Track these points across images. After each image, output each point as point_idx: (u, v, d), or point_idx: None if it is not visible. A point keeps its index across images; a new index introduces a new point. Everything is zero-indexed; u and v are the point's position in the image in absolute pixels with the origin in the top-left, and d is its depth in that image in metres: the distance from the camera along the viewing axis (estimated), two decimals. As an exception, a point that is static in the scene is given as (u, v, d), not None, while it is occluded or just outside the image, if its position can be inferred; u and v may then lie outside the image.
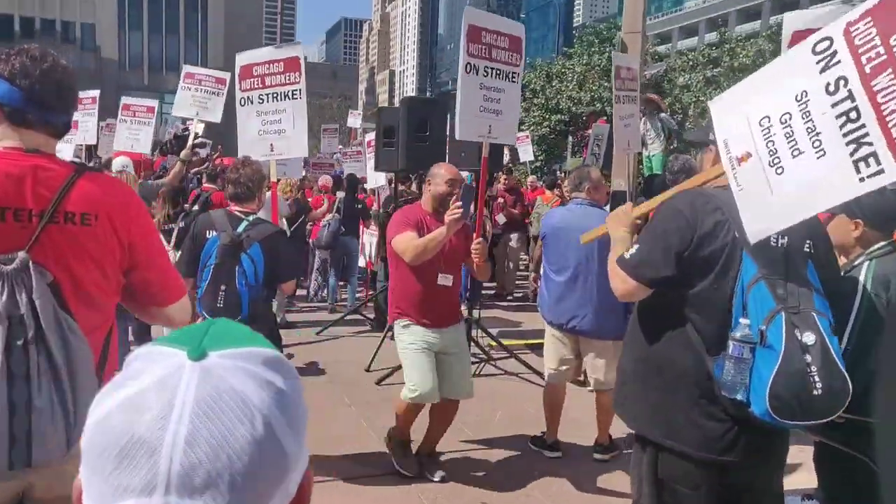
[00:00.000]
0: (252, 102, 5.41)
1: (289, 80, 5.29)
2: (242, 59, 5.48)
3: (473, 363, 4.94)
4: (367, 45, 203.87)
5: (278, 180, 7.49)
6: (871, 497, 2.21)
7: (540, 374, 5.46)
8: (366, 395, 5.51)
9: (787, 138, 1.80)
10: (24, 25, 44.83)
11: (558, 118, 26.88)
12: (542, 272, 4.55)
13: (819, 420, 1.88)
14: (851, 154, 1.68)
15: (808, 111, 1.76)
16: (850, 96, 1.69)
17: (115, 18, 47.05)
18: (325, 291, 9.11)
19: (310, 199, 9.48)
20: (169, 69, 43.76)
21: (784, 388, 1.83)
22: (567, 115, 26.74)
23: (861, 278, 2.23)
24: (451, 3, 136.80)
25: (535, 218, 9.51)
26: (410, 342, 3.83)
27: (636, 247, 2.20)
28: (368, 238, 8.68)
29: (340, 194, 8.91)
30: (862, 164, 1.67)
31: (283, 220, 8.09)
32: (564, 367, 4.33)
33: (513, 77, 4.74)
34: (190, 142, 6.85)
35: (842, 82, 1.71)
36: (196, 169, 9.09)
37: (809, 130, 1.76)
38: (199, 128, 7.77)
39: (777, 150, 1.82)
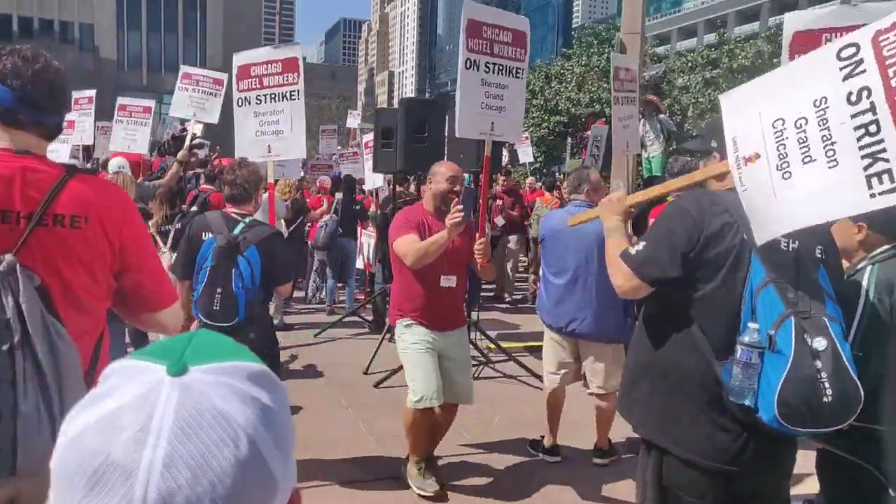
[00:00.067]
0: (249, 103, 5.37)
1: (287, 80, 5.25)
2: (240, 59, 5.44)
3: (472, 366, 4.91)
4: (366, 45, 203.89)
5: (276, 181, 7.48)
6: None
7: (539, 377, 5.43)
8: (364, 397, 5.48)
9: (800, 144, 1.75)
10: (22, 25, 44.79)
11: (557, 119, 26.87)
12: (540, 275, 4.52)
13: (829, 428, 1.84)
14: (865, 168, 1.63)
15: (826, 119, 1.71)
16: (872, 108, 1.63)
17: (113, 18, 47.02)
18: (324, 293, 9.09)
19: (308, 200, 9.46)
20: (168, 69, 43.72)
21: (793, 394, 1.79)
22: (566, 117, 26.73)
23: (864, 283, 2.20)
24: (450, 3, 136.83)
25: (534, 220, 9.48)
26: (413, 342, 3.76)
27: (642, 244, 2.15)
28: (366, 239, 8.65)
29: (338, 195, 8.88)
30: (875, 180, 1.61)
31: (282, 221, 8.06)
32: (563, 371, 4.30)
33: (517, 73, 4.63)
34: (187, 143, 6.82)
35: (864, 93, 1.65)
36: (196, 170, 9.06)
37: (825, 139, 1.71)
38: (197, 129, 7.74)
39: (787, 155, 1.77)
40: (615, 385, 4.24)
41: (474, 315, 6.66)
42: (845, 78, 1.69)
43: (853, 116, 1.66)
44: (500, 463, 4.30)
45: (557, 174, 16.11)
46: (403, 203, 7.30)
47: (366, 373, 6.00)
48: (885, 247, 2.26)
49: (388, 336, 6.57)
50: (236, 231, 3.47)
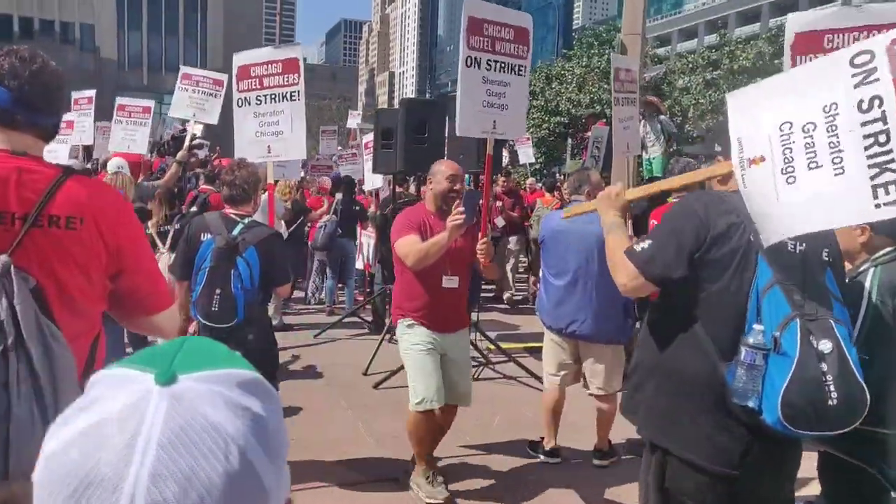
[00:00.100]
0: (249, 103, 5.35)
1: (287, 81, 5.24)
2: (240, 59, 5.43)
3: (472, 367, 4.89)
4: (366, 46, 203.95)
5: (276, 182, 7.46)
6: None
7: (538, 378, 5.42)
8: (363, 398, 5.47)
9: (807, 149, 1.72)
10: (23, 26, 44.81)
11: (557, 120, 26.86)
12: (540, 276, 4.50)
13: (834, 431, 1.82)
14: (872, 178, 1.61)
15: (835, 125, 1.68)
16: (883, 118, 1.60)
17: (114, 19, 47.06)
18: (323, 293, 9.08)
19: (308, 200, 9.45)
20: (168, 70, 43.73)
21: (797, 396, 1.77)
22: (566, 118, 26.72)
23: (867, 285, 2.19)
24: (451, 4, 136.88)
25: (535, 220, 9.46)
26: (414, 343, 3.72)
27: (648, 241, 2.11)
28: (366, 240, 8.65)
29: (338, 196, 8.88)
30: (881, 191, 1.59)
31: (282, 222, 8.06)
32: (563, 372, 4.29)
33: (519, 70, 4.58)
34: (186, 143, 6.81)
35: (876, 102, 1.62)
36: (197, 170, 9.05)
37: (832, 145, 1.68)
38: (197, 129, 7.72)
39: (793, 159, 1.74)
40: (615, 386, 4.24)
41: (474, 316, 6.64)
42: (857, 85, 1.66)
43: (863, 125, 1.63)
44: (499, 464, 4.29)
45: (558, 175, 16.10)
46: (403, 204, 7.30)
47: (365, 374, 5.98)
48: (888, 249, 2.25)
49: (387, 337, 6.56)
50: (235, 232, 3.46)
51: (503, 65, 4.49)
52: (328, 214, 8.69)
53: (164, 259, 4.85)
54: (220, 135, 10.72)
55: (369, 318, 7.97)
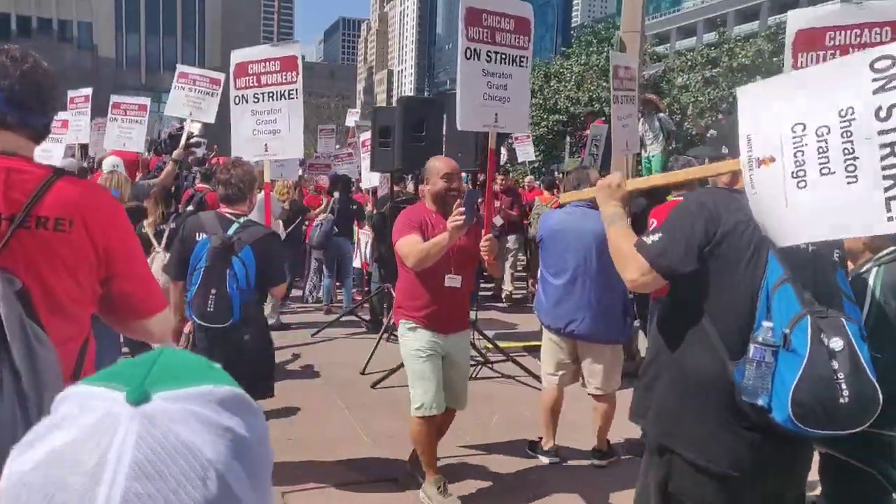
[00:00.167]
0: (247, 101, 5.32)
1: (285, 79, 5.21)
2: (238, 56, 5.39)
3: (470, 366, 4.87)
4: (365, 44, 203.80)
5: (273, 181, 7.43)
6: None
7: (537, 377, 5.40)
8: (361, 397, 5.44)
9: (820, 153, 1.67)
10: (20, 24, 44.76)
11: (556, 118, 26.82)
12: (539, 275, 4.47)
13: (846, 430, 1.77)
14: (886, 190, 1.55)
15: (850, 131, 1.62)
16: None
17: (112, 17, 47.02)
18: (320, 292, 9.06)
19: (306, 197, 9.43)
20: (166, 68, 43.72)
21: (807, 393, 1.73)
22: (565, 116, 26.68)
23: (870, 285, 2.16)
24: (450, 2, 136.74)
25: (534, 219, 9.43)
26: (416, 348, 3.64)
27: (658, 235, 2.05)
28: (364, 238, 8.63)
29: (335, 195, 8.86)
30: (895, 204, 1.54)
31: (279, 222, 8.04)
32: (562, 372, 4.27)
33: (521, 61, 4.48)
34: (182, 141, 6.78)
35: (895, 110, 1.55)
36: (194, 169, 9.02)
37: (846, 152, 1.62)
38: (194, 128, 7.69)
39: (805, 163, 1.69)
40: (614, 386, 4.22)
41: (472, 314, 6.62)
42: (876, 91, 1.60)
43: (880, 133, 1.57)
44: (498, 464, 4.27)
45: (556, 173, 16.08)
46: (401, 202, 7.27)
47: (363, 373, 5.96)
48: (891, 248, 2.22)
49: (385, 336, 6.54)
50: (230, 231, 3.43)
51: (504, 56, 4.38)
52: (325, 213, 8.68)
53: (160, 259, 4.82)
54: (218, 133, 10.70)
55: (367, 317, 7.94)
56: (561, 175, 13.94)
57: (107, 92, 10.03)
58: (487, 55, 4.31)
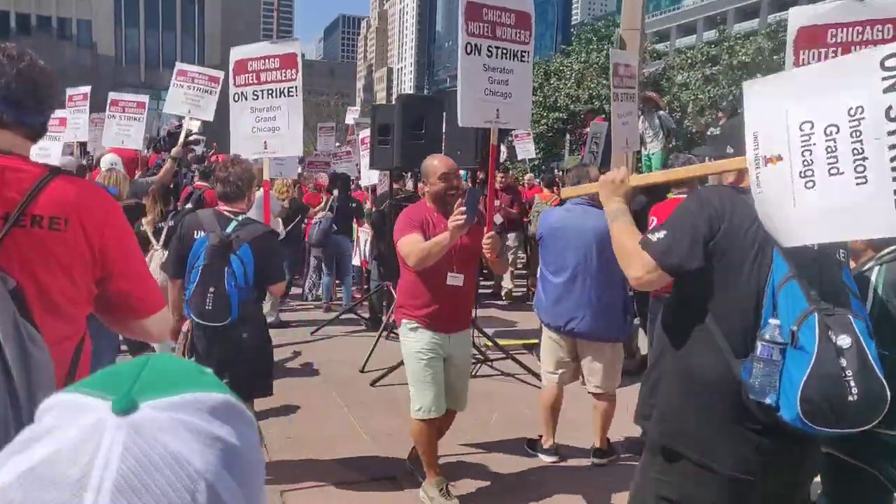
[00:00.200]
0: (246, 98, 5.31)
1: (285, 76, 5.19)
2: (237, 53, 5.38)
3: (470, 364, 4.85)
4: (364, 42, 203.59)
5: (273, 180, 7.42)
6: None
7: (536, 375, 5.39)
8: (360, 395, 5.43)
9: (828, 153, 1.63)
10: (20, 22, 44.72)
11: (556, 116, 26.79)
12: (538, 273, 4.46)
13: (855, 428, 1.75)
14: None
15: (860, 131, 1.59)
16: None
17: (111, 15, 46.97)
18: (320, 290, 9.06)
19: (305, 195, 9.42)
20: (165, 66, 43.65)
21: (816, 391, 1.71)
22: (565, 113, 26.65)
23: (872, 283, 2.15)
24: (449, 0, 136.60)
25: (534, 216, 9.41)
26: (417, 350, 3.59)
27: (663, 232, 2.02)
28: (363, 235, 8.62)
29: (334, 193, 8.85)
30: None
31: (279, 220, 8.03)
32: (561, 370, 4.26)
33: (522, 56, 4.42)
34: (181, 139, 6.77)
35: None
36: (194, 166, 9.02)
37: (855, 152, 1.59)
38: (193, 125, 7.68)
39: (813, 162, 1.65)
40: (614, 385, 4.20)
41: (472, 312, 6.61)
42: (887, 90, 1.56)
43: (890, 134, 1.54)
44: (498, 462, 4.26)
45: (556, 171, 16.06)
46: (400, 200, 7.26)
47: (362, 371, 5.95)
48: (893, 247, 2.21)
49: (384, 334, 6.54)
50: (229, 229, 3.41)
51: (505, 51, 4.32)
52: (324, 211, 8.67)
53: (158, 256, 4.82)
54: (217, 131, 10.69)
55: (366, 315, 7.93)
56: (561, 173, 13.92)
57: (106, 89, 10.03)
58: (488, 50, 4.25)
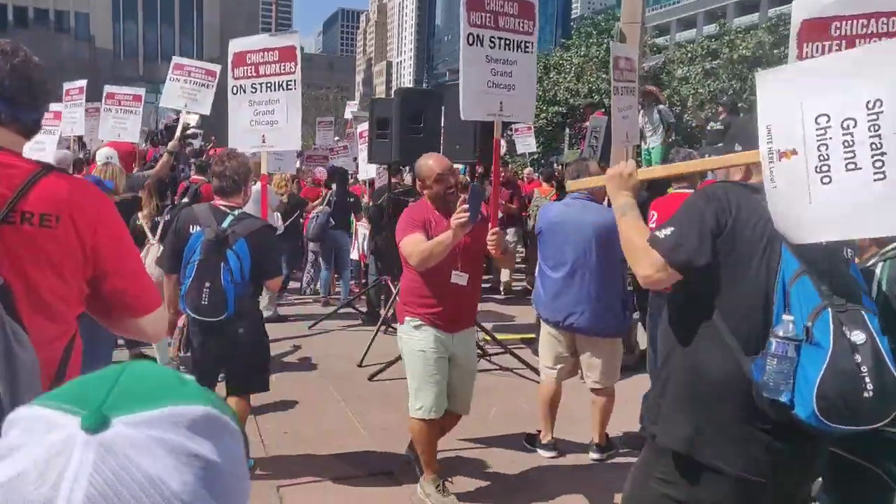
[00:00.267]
0: (245, 91, 5.29)
1: (284, 69, 5.17)
2: (236, 45, 5.36)
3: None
4: (364, 36, 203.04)
5: (271, 174, 7.39)
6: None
7: (535, 370, 5.37)
8: (357, 389, 5.42)
9: (845, 147, 1.59)
10: (17, 15, 44.54)
11: (556, 110, 26.74)
12: (537, 268, 4.43)
13: (869, 425, 1.72)
14: None
15: (878, 125, 1.54)
16: None
17: (108, 7, 46.81)
18: (318, 284, 9.04)
19: (302, 189, 9.40)
20: (164, 59, 43.41)
21: (832, 387, 1.67)
22: (564, 107, 26.60)
23: (876, 279, 2.12)
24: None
25: (534, 211, 9.38)
26: (420, 349, 3.51)
27: (670, 228, 1.98)
28: (362, 229, 8.60)
29: (333, 187, 8.82)
30: None
31: (277, 214, 8.00)
32: (560, 366, 4.24)
33: (526, 47, 4.31)
34: (178, 133, 6.73)
35: None
36: (192, 160, 8.98)
37: (874, 147, 1.54)
38: (191, 119, 7.64)
39: (829, 157, 1.61)
40: (613, 380, 4.19)
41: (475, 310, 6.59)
42: None
43: None
44: (497, 458, 4.24)
45: (555, 165, 16.02)
46: (398, 194, 7.23)
47: (360, 365, 5.93)
48: None
49: (382, 328, 6.52)
50: (225, 224, 3.39)
51: (508, 42, 4.22)
52: (322, 206, 8.65)
53: (154, 251, 4.79)
54: (215, 124, 10.65)
55: (364, 310, 7.91)
56: (560, 167, 13.88)
57: (104, 83, 9.98)
58: (491, 41, 4.15)
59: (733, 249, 1.90)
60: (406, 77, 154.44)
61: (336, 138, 15.14)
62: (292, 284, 9.37)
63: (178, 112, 8.78)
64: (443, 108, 6.80)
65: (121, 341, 4.83)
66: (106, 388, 0.49)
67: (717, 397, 1.93)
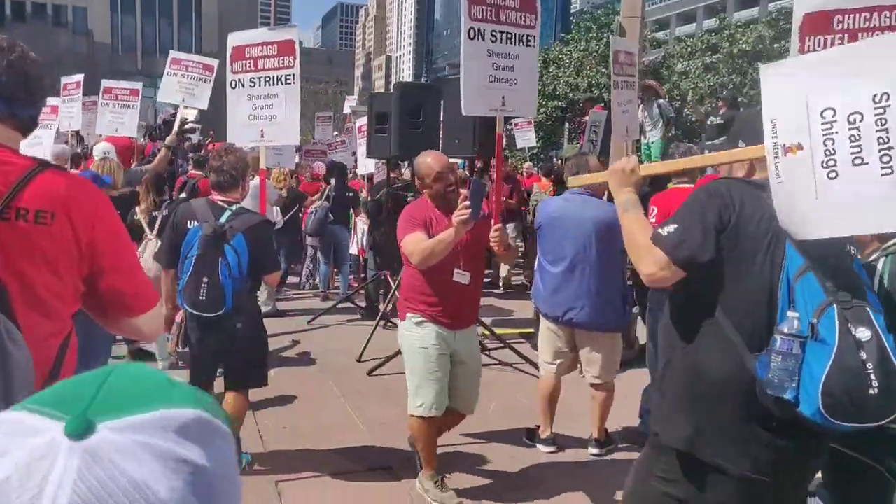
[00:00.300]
0: (243, 86, 5.27)
1: (282, 64, 5.15)
2: (235, 39, 5.33)
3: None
4: (363, 30, 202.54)
5: (270, 169, 7.38)
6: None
7: (534, 364, 5.36)
8: (356, 384, 5.41)
9: (852, 142, 1.56)
10: (15, 9, 44.40)
11: (555, 104, 26.71)
12: (536, 263, 4.42)
13: (873, 422, 1.71)
14: None
15: (885, 119, 1.52)
16: None
17: (107, 2, 46.64)
18: (317, 279, 9.03)
19: (301, 184, 9.38)
20: (162, 53, 43.23)
21: (837, 384, 1.66)
22: (564, 102, 26.57)
23: (877, 274, 2.11)
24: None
25: (534, 206, 9.36)
26: (422, 346, 3.46)
27: (673, 225, 1.96)
28: (361, 224, 8.59)
29: (332, 182, 8.80)
30: None
31: (277, 209, 7.99)
32: (559, 361, 4.23)
33: (528, 41, 4.27)
34: (175, 127, 6.71)
35: None
36: (191, 155, 8.98)
37: (881, 141, 1.52)
38: (190, 114, 7.63)
39: (836, 152, 1.58)
40: (612, 375, 4.18)
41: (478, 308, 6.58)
42: None
43: None
44: (496, 452, 4.23)
45: (555, 160, 16.01)
46: (397, 189, 7.21)
47: (359, 360, 5.93)
48: None
49: (381, 323, 6.51)
50: (223, 219, 3.38)
51: (510, 35, 4.18)
52: (321, 201, 8.64)
53: (152, 246, 4.78)
54: (213, 119, 10.62)
55: (363, 304, 7.91)
56: (560, 161, 13.87)
57: (103, 77, 9.97)
58: (492, 35, 4.10)
59: (737, 245, 1.88)
60: (405, 71, 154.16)
61: (335, 133, 15.12)
62: (291, 279, 9.36)
63: (176, 107, 8.78)
64: (442, 102, 6.78)
65: (119, 337, 4.81)
66: (92, 391, 0.47)
67: (718, 396, 1.92)
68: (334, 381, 5.47)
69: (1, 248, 1.52)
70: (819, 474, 2.38)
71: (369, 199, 8.08)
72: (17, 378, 1.40)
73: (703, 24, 49.47)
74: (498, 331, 6.54)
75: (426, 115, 6.47)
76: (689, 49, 28.95)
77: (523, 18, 4.28)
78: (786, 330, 1.74)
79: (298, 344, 6.55)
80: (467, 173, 8.31)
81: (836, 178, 1.60)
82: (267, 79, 5.17)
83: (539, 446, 4.31)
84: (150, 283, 1.84)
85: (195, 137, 11.40)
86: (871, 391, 1.65)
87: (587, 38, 29.39)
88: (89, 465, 0.43)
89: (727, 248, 1.89)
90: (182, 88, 7.05)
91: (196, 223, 3.38)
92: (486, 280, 9.86)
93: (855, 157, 1.57)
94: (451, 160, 4.37)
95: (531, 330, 6.20)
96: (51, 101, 7.51)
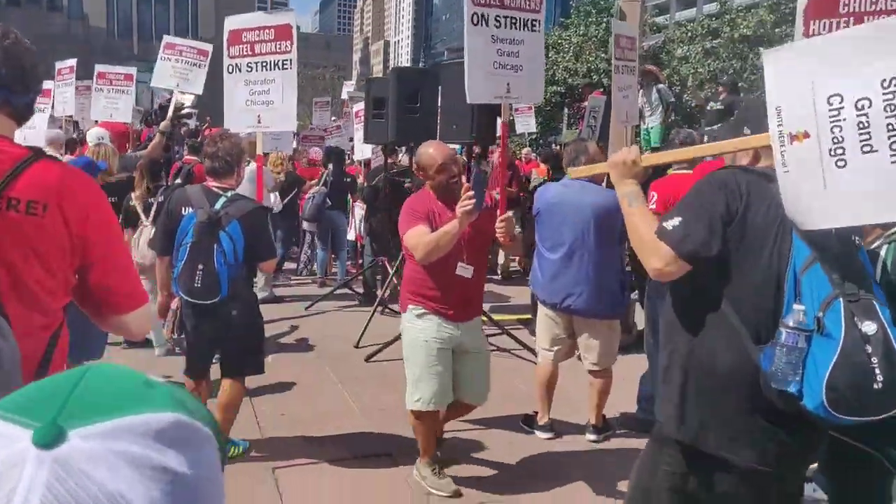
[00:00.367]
0: (240, 70, 5.22)
1: (279, 48, 5.11)
2: (231, 23, 5.28)
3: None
4: (361, 15, 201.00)
5: (267, 154, 7.33)
6: (882, 494, 2.12)
7: (532, 350, 5.36)
8: (354, 371, 5.40)
9: (860, 129, 1.52)
10: (10, -7, 43.96)
11: (554, 90, 26.53)
12: (535, 250, 4.39)
13: (876, 416, 1.69)
14: None
15: (894, 104, 1.48)
16: None
17: (102, -15, 46.21)
18: (315, 265, 9.01)
19: (298, 170, 9.34)
20: (159, 38, 43.08)
21: (842, 379, 1.64)
22: (563, 87, 26.41)
23: (880, 262, 2.09)
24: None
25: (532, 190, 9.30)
26: (424, 339, 3.40)
27: (678, 218, 1.92)
28: (359, 210, 8.56)
29: (329, 167, 8.76)
30: None
31: (276, 193, 7.95)
32: (557, 347, 4.22)
33: (533, 25, 4.17)
34: (170, 113, 6.66)
35: None
36: (188, 140, 8.92)
37: (890, 127, 1.48)
38: (186, 99, 7.58)
39: (843, 139, 1.54)
40: (610, 361, 4.17)
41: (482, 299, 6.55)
42: None
43: None
44: (494, 439, 4.23)
45: (554, 145, 15.93)
46: (394, 175, 7.17)
47: (356, 346, 5.92)
48: None
49: (379, 309, 6.49)
50: (217, 206, 3.35)
51: (514, 20, 4.09)
52: (318, 186, 8.60)
53: (147, 232, 4.74)
54: (209, 104, 10.54)
55: (361, 290, 7.89)
56: (559, 147, 13.79)
57: (98, 62, 9.89)
58: (496, 20, 4.02)
59: (744, 237, 1.85)
60: (404, 56, 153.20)
61: (333, 119, 15.04)
62: (288, 265, 9.34)
63: (171, 92, 8.72)
64: (439, 87, 6.71)
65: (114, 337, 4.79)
66: (62, 396, 0.44)
67: (724, 388, 1.90)
68: (332, 368, 5.46)
69: None
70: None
71: (365, 185, 8.04)
72: (4, 370, 1.38)
73: (703, 8, 49.04)
74: (496, 317, 6.52)
75: (423, 101, 6.42)
76: (690, 34, 28.75)
77: (528, 2, 4.19)
78: (791, 323, 1.72)
79: (296, 330, 6.54)
80: (465, 159, 8.25)
81: (844, 166, 1.57)
82: (264, 63, 5.12)
83: (537, 432, 4.31)
84: (139, 281, 1.82)
85: (192, 123, 11.33)
86: (875, 386, 1.63)
87: (586, 23, 29.17)
88: (59, 476, 0.40)
89: (734, 240, 1.85)
90: (176, 73, 6.99)
91: (191, 210, 3.35)
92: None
93: (864, 145, 1.53)
94: (449, 146, 4.33)
95: (529, 316, 6.19)
96: (45, 84, 7.44)
